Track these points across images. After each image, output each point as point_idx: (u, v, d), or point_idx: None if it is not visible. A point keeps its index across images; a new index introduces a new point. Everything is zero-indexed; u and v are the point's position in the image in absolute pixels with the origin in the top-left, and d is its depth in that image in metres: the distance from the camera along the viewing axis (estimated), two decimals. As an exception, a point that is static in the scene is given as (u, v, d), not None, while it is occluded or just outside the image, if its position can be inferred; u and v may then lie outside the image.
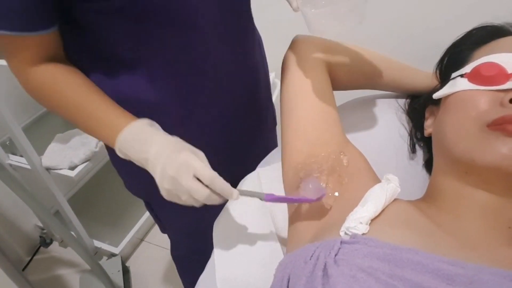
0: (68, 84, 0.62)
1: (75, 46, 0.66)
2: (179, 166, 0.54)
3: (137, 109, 0.65)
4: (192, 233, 0.98)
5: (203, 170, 0.54)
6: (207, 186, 0.54)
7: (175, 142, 0.58)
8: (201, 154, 0.58)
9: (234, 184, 0.63)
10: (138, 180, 0.85)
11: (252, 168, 0.76)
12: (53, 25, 0.59)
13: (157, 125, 0.62)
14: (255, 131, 0.90)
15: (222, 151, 0.83)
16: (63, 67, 0.63)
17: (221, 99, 0.77)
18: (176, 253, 1.16)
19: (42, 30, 0.58)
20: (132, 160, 0.60)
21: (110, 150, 0.82)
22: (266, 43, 0.87)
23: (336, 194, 0.56)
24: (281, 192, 0.66)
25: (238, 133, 0.85)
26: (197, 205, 0.56)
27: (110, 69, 0.68)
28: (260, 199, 0.57)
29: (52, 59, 0.62)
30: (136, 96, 0.70)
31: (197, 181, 0.54)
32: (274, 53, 0.85)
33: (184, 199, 0.56)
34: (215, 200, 0.56)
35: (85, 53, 0.67)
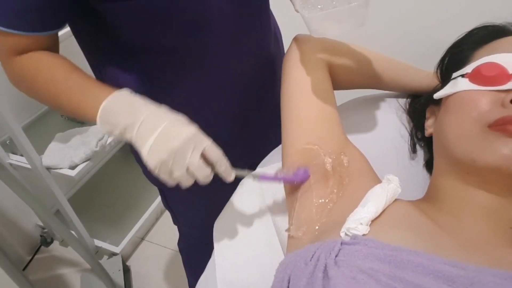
0: (50, 66, 0.61)
1: (97, 42, 0.68)
2: (187, 139, 0.51)
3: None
4: (202, 223, 1.00)
5: (214, 148, 0.53)
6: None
7: (169, 112, 0.55)
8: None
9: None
10: None
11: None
12: (59, 27, 0.60)
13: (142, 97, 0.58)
14: (271, 122, 0.91)
15: (237, 142, 0.85)
16: (46, 52, 0.61)
17: (236, 92, 0.79)
18: (184, 245, 1.17)
19: (47, 31, 0.59)
20: (113, 134, 0.56)
21: None
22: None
23: (321, 201, 0.56)
24: (281, 192, 0.66)
25: (254, 126, 0.88)
26: (187, 184, 0.54)
27: (125, 62, 0.70)
28: (254, 178, 0.61)
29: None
30: (148, 90, 0.71)
31: (202, 159, 0.53)
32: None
33: (176, 175, 0.52)
34: (208, 179, 0.54)
35: (105, 48, 0.68)
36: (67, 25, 0.65)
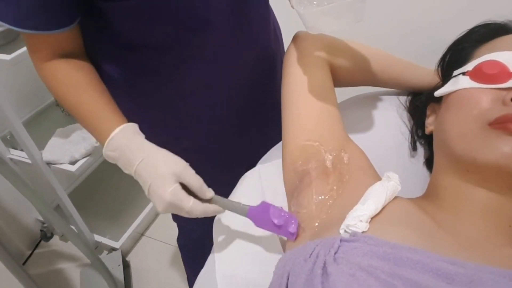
0: (73, 83, 0.64)
1: (95, 36, 0.68)
2: (167, 206, 0.56)
3: (151, 100, 0.67)
4: (201, 220, 1.00)
5: (194, 209, 0.56)
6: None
7: (154, 163, 0.59)
8: (182, 166, 0.58)
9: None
10: None
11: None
12: (70, 24, 0.61)
13: (137, 132, 0.63)
14: (270, 118, 0.91)
15: (237, 138, 0.86)
16: (73, 64, 0.65)
17: (236, 88, 0.79)
18: (183, 242, 1.18)
19: (59, 29, 0.60)
20: None
21: None
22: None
23: (321, 197, 0.56)
24: (281, 188, 0.66)
25: (254, 122, 0.88)
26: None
27: (123, 59, 0.70)
28: (243, 215, 0.59)
29: (68, 55, 0.64)
30: (150, 89, 0.73)
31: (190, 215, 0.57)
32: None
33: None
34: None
35: (103, 42, 0.69)
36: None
